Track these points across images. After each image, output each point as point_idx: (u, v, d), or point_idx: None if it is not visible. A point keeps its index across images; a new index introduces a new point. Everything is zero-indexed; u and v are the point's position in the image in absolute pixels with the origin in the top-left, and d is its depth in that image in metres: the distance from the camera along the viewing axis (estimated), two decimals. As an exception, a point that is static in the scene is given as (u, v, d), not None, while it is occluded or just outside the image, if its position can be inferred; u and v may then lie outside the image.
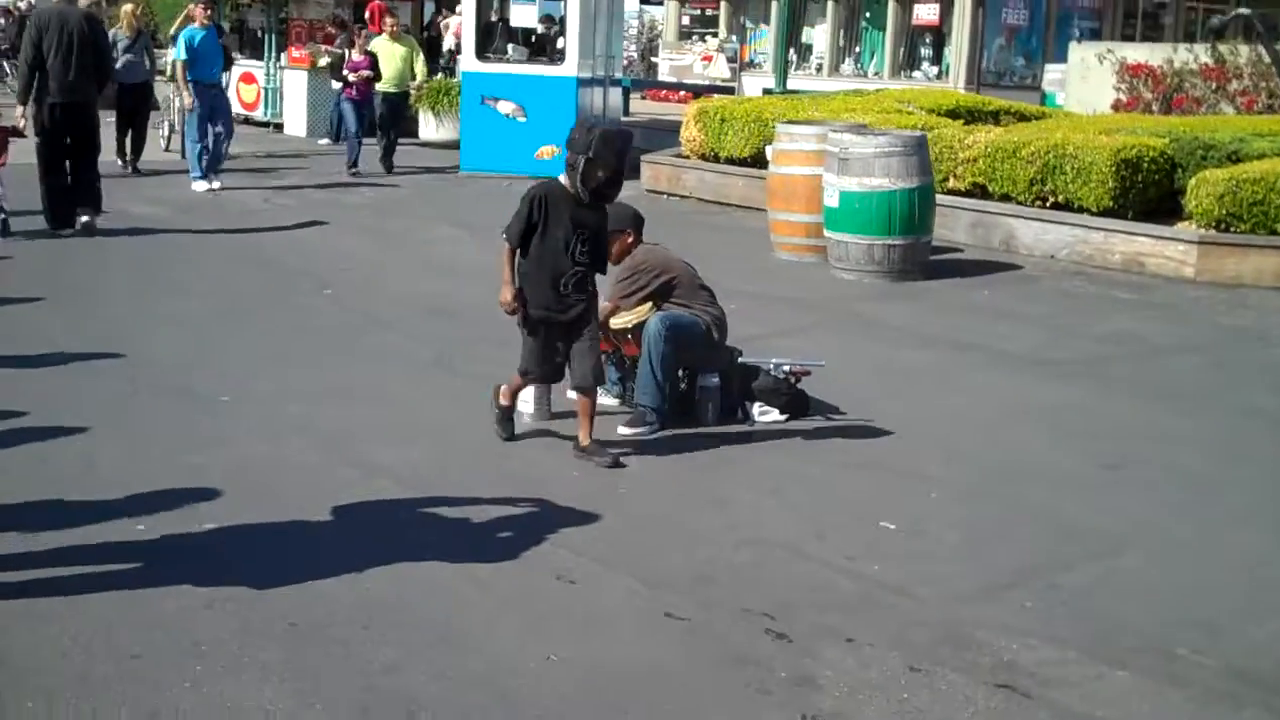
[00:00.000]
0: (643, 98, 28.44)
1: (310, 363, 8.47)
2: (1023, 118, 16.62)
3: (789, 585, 5.37)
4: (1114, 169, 12.49)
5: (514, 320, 6.93)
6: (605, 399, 7.68)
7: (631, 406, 7.47)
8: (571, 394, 7.01)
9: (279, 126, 22.17)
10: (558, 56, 18.09)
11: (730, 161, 16.11)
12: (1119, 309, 10.78)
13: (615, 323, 7.43)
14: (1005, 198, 13.47)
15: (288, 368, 8.32)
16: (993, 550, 5.83)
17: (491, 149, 17.79)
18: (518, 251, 6.79)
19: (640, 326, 7.33)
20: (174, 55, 16.22)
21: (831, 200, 11.57)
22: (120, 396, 7.54)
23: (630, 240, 7.46)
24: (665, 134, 19.23)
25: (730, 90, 23.57)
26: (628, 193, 16.86)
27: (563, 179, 6.81)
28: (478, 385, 7.79)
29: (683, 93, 28.84)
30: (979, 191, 13.64)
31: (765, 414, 7.56)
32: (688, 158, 16.80)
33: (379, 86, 17.52)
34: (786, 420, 7.54)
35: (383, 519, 5.93)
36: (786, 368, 7.63)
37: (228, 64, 17.69)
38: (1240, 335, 10.01)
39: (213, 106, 15.51)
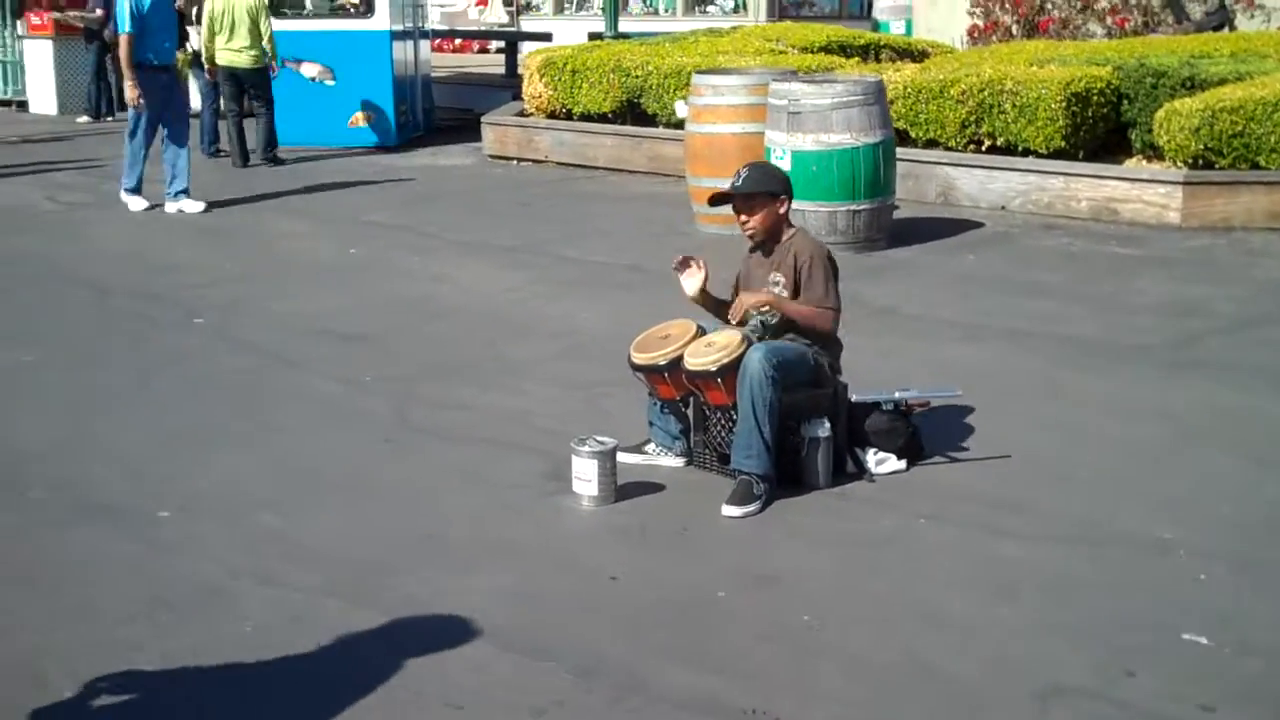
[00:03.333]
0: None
1: (240, 438, 6.20)
2: (901, 53, 15.11)
3: (1176, 778, 3.59)
4: (1064, 105, 11.02)
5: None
6: (665, 459, 5.81)
7: (714, 469, 5.63)
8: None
9: (23, 105, 19.17)
10: (365, 7, 15.71)
11: (587, 118, 14.15)
12: (1134, 268, 9.28)
13: (695, 363, 5.49)
14: (931, 143, 11.91)
15: (215, 448, 6.05)
16: (1367, 667, 4.17)
17: (297, 119, 15.36)
18: None
19: (731, 365, 5.42)
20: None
21: (781, 163, 9.74)
22: (13, 530, 5.24)
23: (784, 211, 5.74)
24: (488, 91, 17.13)
25: (518, 36, 21.57)
26: (466, 160, 14.90)
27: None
28: (477, 454, 5.88)
29: (479, 41, 26.79)
30: (898, 138, 12.02)
31: (882, 463, 5.74)
32: (530, 115, 14.77)
33: (228, 59, 14.18)
34: (908, 468, 5.75)
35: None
36: (907, 400, 5.82)
37: (181, 39, 13.48)
38: (1299, 293, 8.64)
39: (165, 100, 11.68)
